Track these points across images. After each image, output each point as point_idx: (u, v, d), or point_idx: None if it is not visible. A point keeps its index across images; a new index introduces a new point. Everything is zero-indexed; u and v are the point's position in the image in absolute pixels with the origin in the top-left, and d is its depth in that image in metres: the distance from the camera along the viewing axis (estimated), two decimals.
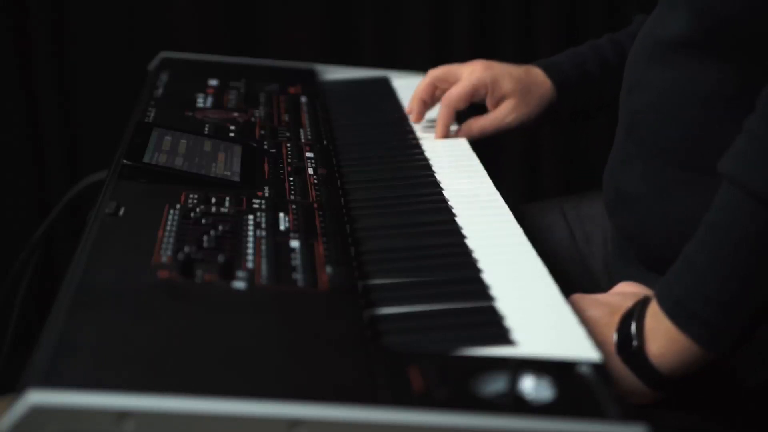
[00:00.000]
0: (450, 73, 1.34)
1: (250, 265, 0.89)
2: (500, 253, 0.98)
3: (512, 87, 1.31)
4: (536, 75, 1.33)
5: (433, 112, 1.38)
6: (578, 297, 0.93)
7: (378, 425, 0.70)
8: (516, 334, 0.83)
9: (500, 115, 1.31)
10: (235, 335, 0.79)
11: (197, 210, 0.98)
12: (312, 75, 1.54)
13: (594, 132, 2.17)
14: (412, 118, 1.35)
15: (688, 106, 0.98)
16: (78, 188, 1.38)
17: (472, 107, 1.34)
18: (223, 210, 0.99)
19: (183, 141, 1.14)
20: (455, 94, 1.31)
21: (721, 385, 0.94)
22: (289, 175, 1.12)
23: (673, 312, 0.86)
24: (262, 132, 1.25)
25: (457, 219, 1.05)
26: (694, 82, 0.98)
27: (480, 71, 1.32)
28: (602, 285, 1.18)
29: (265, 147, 1.20)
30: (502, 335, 0.83)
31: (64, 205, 1.41)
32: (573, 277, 1.20)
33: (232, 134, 1.23)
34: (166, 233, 0.93)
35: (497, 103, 1.32)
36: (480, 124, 1.32)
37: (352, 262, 0.93)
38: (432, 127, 1.34)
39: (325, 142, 1.24)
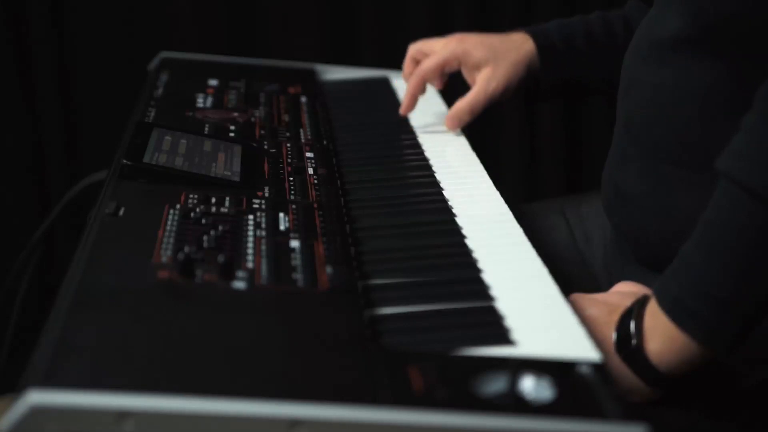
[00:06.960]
0: (427, 46, 1.37)
1: (250, 265, 0.89)
2: (500, 253, 0.98)
3: (484, 55, 1.31)
4: (515, 40, 1.32)
5: (433, 114, 1.38)
6: (577, 296, 0.93)
7: (378, 425, 0.70)
8: (516, 334, 0.83)
9: (481, 88, 1.30)
10: (235, 335, 0.79)
11: (197, 210, 0.98)
12: (312, 75, 1.54)
13: (594, 132, 2.17)
14: (405, 101, 1.35)
15: (685, 105, 0.98)
16: (78, 188, 1.38)
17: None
18: (223, 210, 0.99)
19: (183, 141, 1.14)
20: (426, 65, 1.33)
21: (721, 385, 0.94)
22: (289, 175, 1.12)
23: (671, 310, 0.86)
24: (262, 132, 1.25)
25: (457, 219, 1.05)
26: (690, 80, 0.98)
27: (453, 44, 1.33)
28: (602, 285, 1.18)
29: (265, 147, 1.20)
30: (502, 335, 0.83)
31: (64, 205, 1.41)
32: (573, 277, 1.20)
33: (232, 134, 1.23)
34: (166, 233, 0.93)
35: (473, 74, 1.32)
36: (467, 101, 1.30)
37: (352, 262, 0.93)
38: (432, 127, 1.34)
39: (325, 142, 1.24)
